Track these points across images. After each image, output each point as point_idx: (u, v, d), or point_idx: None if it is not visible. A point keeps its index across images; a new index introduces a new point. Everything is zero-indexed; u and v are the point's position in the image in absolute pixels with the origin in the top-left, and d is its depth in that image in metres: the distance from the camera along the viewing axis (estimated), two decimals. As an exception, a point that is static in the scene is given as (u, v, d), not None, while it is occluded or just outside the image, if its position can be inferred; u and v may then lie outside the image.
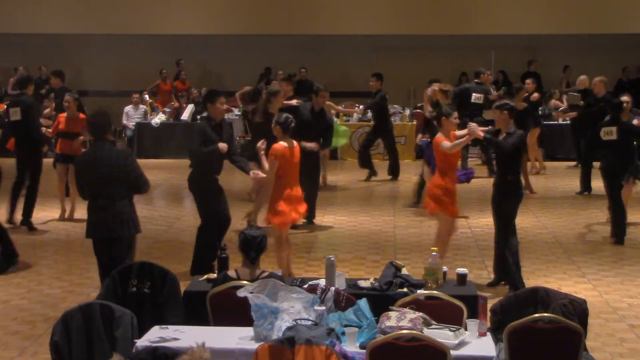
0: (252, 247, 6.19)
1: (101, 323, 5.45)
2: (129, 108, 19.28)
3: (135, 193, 7.41)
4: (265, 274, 6.12)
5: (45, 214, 12.09)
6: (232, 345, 5.29)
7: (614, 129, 10.48)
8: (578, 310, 5.79)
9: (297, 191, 8.64)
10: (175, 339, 5.30)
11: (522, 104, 13.56)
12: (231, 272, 6.21)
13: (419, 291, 6.26)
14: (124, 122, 19.20)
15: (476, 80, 15.95)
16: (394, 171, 15.54)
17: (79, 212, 11.45)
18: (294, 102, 11.94)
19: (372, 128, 16.02)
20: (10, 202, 11.24)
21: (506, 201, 8.48)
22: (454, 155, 8.63)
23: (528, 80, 15.95)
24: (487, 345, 5.34)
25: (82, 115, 12.02)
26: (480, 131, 8.42)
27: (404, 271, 6.73)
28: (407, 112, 18.94)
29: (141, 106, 19.27)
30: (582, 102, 14.85)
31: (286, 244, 8.76)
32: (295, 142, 8.62)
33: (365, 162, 15.48)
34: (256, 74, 21.02)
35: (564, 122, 17.14)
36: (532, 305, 5.93)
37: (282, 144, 8.44)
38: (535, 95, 15.74)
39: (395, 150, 15.82)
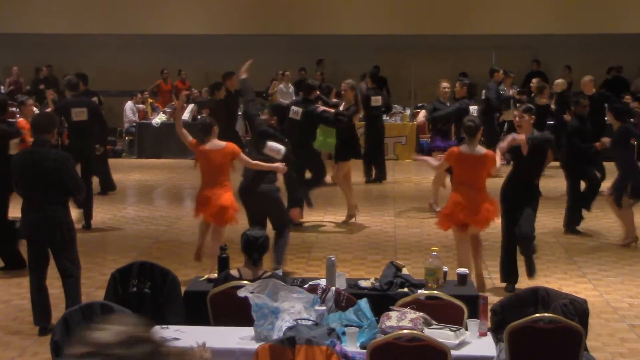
0: (255, 248, 6.20)
1: (101, 323, 5.44)
2: (128, 107, 19.29)
3: (70, 197, 7.39)
4: (267, 274, 6.13)
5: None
6: (232, 345, 5.29)
7: None
8: (579, 310, 5.79)
9: (211, 192, 8.66)
10: (176, 339, 5.30)
11: (543, 100, 13.72)
12: (233, 272, 6.21)
13: (419, 291, 6.26)
14: (130, 117, 19.16)
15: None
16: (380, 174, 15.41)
17: (77, 212, 11.44)
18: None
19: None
20: None
21: (533, 202, 8.43)
22: (474, 166, 8.19)
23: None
24: (487, 345, 5.34)
25: None
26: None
27: (405, 271, 6.73)
28: (408, 112, 18.94)
29: (139, 106, 19.27)
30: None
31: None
32: (222, 145, 8.70)
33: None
34: (256, 74, 20.96)
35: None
36: (532, 305, 5.93)
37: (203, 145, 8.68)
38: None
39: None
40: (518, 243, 8.50)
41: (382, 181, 15.29)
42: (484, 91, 16.12)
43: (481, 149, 8.26)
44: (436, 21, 20.85)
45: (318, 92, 11.81)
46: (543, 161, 8.55)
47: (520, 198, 8.42)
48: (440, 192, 12.43)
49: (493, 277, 8.99)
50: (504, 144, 8.36)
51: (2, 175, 8.66)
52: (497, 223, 8.59)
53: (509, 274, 8.63)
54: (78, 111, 11.41)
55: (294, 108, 11.39)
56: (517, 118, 8.54)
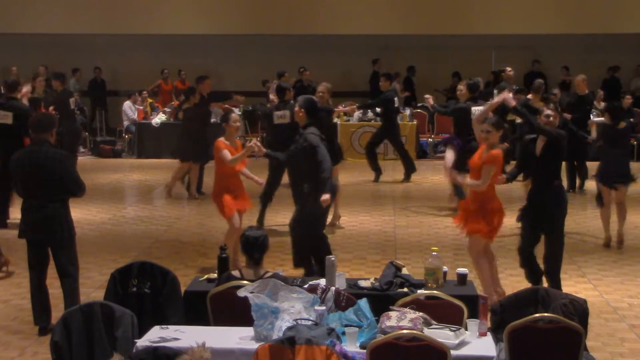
0: (255, 248, 6.19)
1: (101, 323, 5.45)
2: (127, 106, 19.29)
3: (70, 196, 7.39)
4: (269, 274, 6.12)
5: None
6: (232, 345, 5.28)
7: None
8: (578, 310, 5.79)
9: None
10: (176, 338, 5.30)
11: (541, 103, 13.67)
12: (235, 272, 6.21)
13: (419, 291, 6.27)
14: (130, 115, 19.15)
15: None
16: (408, 172, 15.34)
17: (76, 212, 11.44)
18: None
19: (378, 128, 15.75)
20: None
21: (559, 210, 7.93)
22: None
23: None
24: (487, 345, 5.34)
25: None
26: (513, 101, 7.94)
27: (405, 271, 6.73)
28: (408, 111, 18.93)
29: (137, 107, 19.27)
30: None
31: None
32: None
33: (371, 162, 15.39)
34: (256, 74, 21.02)
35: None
36: (532, 305, 5.93)
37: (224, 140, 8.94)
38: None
39: (404, 150, 15.54)
40: (545, 275, 8.13)
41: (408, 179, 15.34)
42: (495, 92, 16.07)
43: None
44: (436, 21, 20.84)
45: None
46: (560, 158, 8.06)
47: (541, 207, 7.94)
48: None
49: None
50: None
51: None
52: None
53: (532, 273, 8.26)
54: (1, 114, 11.14)
55: (277, 113, 11.28)
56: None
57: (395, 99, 15.00)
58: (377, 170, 15.26)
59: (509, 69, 16.33)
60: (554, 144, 7.90)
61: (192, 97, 13.71)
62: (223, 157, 8.81)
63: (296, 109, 8.64)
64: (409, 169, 15.32)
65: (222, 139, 8.92)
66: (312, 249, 8.45)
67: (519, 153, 8.40)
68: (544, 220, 7.98)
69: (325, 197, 8.12)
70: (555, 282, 8.08)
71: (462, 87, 12.21)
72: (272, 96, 13.69)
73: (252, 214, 11.89)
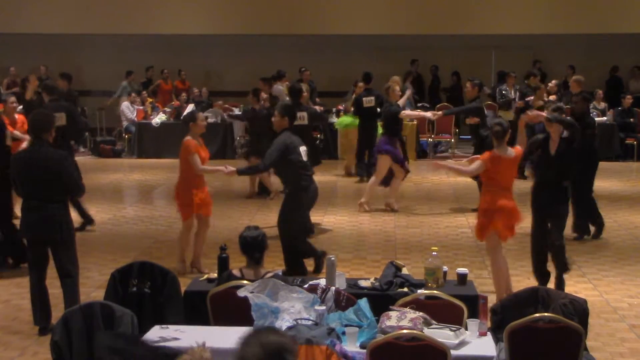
0: (255, 247, 6.19)
1: (101, 323, 5.45)
2: (125, 106, 19.28)
3: (70, 196, 7.38)
4: (270, 274, 6.12)
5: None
6: (232, 345, 5.26)
7: None
8: (578, 310, 5.79)
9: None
10: (176, 338, 5.30)
11: (539, 103, 13.78)
12: (235, 272, 6.21)
13: (419, 291, 6.27)
14: (128, 115, 19.13)
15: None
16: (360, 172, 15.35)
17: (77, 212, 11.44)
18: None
19: None
20: None
21: (562, 207, 8.28)
22: (498, 171, 7.89)
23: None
24: (487, 345, 5.34)
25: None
26: (542, 115, 8.06)
27: (405, 271, 6.73)
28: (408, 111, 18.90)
29: (136, 107, 19.26)
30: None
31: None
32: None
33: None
34: (256, 74, 21.01)
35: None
36: (532, 305, 5.93)
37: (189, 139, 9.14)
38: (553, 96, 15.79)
39: (361, 156, 15.26)
40: (551, 256, 8.36)
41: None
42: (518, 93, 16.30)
43: (511, 151, 7.89)
44: (436, 21, 20.84)
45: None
46: (573, 162, 8.25)
47: (548, 202, 8.23)
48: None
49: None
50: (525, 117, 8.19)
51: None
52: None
53: (542, 276, 8.41)
54: (58, 116, 10.97)
55: (297, 114, 11.36)
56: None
57: (367, 99, 14.83)
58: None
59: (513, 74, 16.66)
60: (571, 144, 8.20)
61: (261, 96, 13.49)
62: (192, 162, 9.05)
63: (277, 116, 8.82)
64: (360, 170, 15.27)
65: (190, 137, 9.14)
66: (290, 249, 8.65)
67: (528, 149, 8.42)
68: (550, 216, 8.31)
69: (230, 170, 8.75)
70: (561, 270, 8.33)
71: (469, 86, 12.68)
72: (264, 94, 13.66)
73: (249, 214, 11.92)
